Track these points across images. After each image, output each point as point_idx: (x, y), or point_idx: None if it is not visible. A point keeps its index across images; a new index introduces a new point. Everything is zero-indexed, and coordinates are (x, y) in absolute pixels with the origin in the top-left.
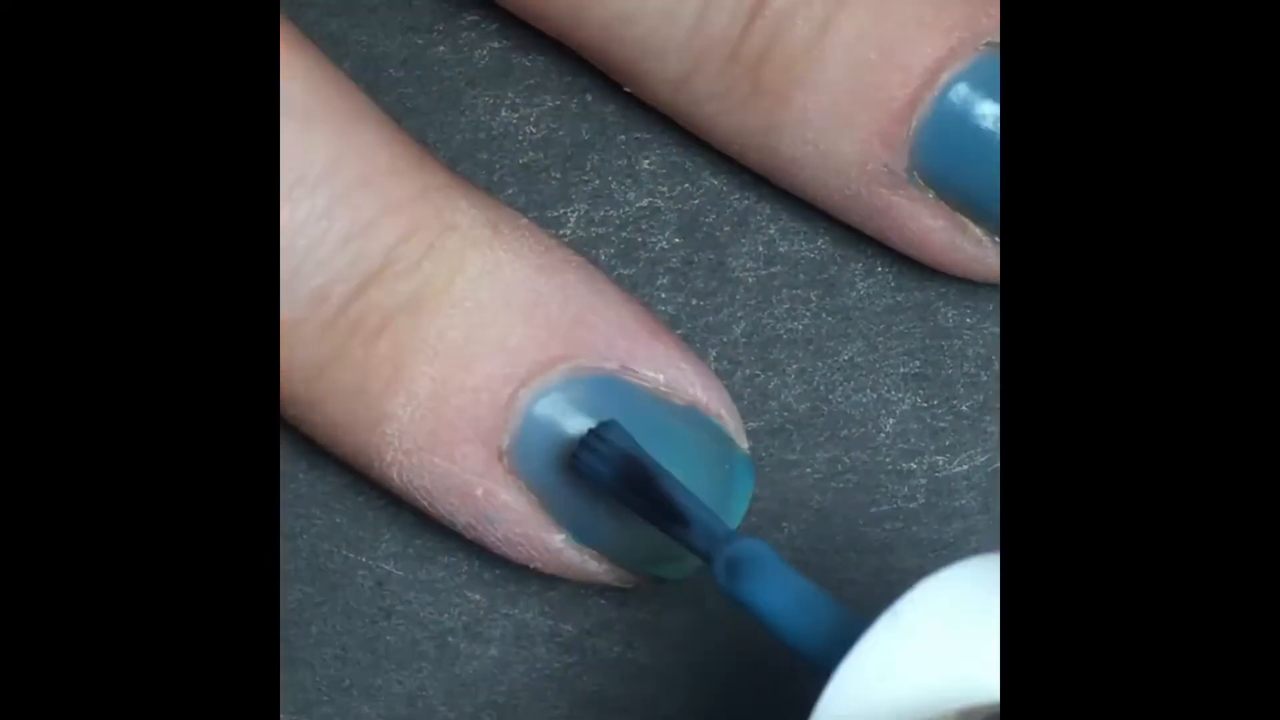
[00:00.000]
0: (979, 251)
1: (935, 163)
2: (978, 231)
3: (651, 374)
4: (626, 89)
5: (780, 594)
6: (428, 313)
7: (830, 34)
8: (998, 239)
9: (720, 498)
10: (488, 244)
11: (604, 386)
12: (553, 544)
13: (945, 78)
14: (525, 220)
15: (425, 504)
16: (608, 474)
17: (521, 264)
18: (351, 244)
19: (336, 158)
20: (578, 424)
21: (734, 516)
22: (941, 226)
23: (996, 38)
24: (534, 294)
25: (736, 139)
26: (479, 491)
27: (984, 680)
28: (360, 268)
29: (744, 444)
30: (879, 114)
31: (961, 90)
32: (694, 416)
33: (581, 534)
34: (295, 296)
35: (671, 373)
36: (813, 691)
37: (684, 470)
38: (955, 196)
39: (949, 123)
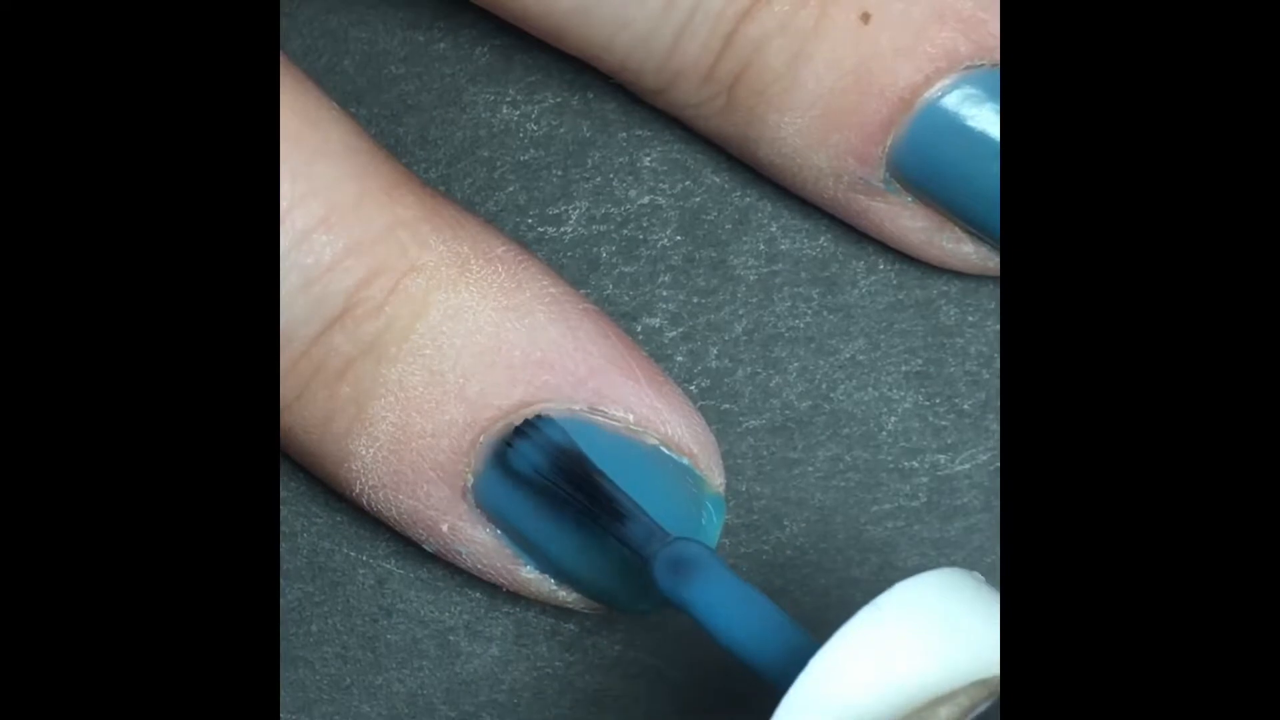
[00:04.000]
0: (956, 248)
1: (912, 174)
2: (955, 230)
3: (621, 413)
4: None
5: (724, 598)
6: (388, 359)
7: (803, 62)
8: (976, 236)
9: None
10: (453, 285)
11: (568, 428)
12: (519, 575)
13: (921, 101)
14: (502, 249)
15: (397, 530)
16: (542, 466)
17: (487, 305)
18: (313, 288)
19: (297, 200)
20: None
21: None
22: (920, 227)
23: (977, 60)
24: (497, 339)
25: (717, 140)
26: (444, 527)
27: (976, 661)
28: (321, 312)
29: (717, 481)
30: (851, 135)
31: (938, 110)
32: (662, 456)
33: (546, 568)
34: None
35: (643, 411)
36: (760, 701)
37: (652, 509)
38: (934, 202)
39: (925, 141)
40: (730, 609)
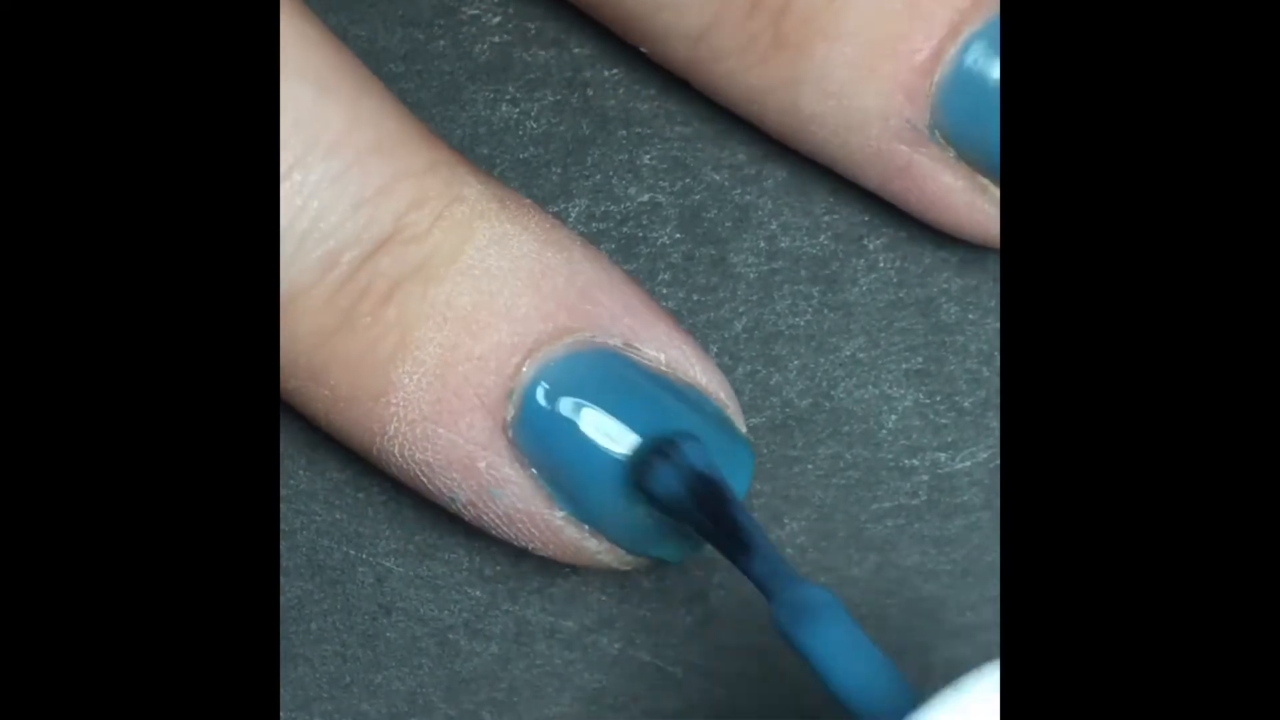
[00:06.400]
0: (997, 213)
1: (957, 119)
2: (996, 193)
3: (654, 352)
4: (641, 49)
5: (840, 647)
6: (436, 280)
7: None
8: None
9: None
10: (495, 215)
11: (607, 361)
12: (553, 520)
13: (968, 31)
14: (529, 200)
15: (425, 480)
16: (677, 487)
17: (528, 236)
18: (363, 209)
19: (351, 124)
20: (580, 398)
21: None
22: (962, 186)
23: None
24: (541, 265)
25: (756, 96)
26: (482, 464)
27: None
28: (371, 233)
29: (744, 428)
30: (901, 66)
31: (982, 46)
32: (696, 397)
33: (581, 511)
34: (305, 261)
35: (674, 353)
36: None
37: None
38: (975, 155)
39: (971, 78)
40: (844, 659)
